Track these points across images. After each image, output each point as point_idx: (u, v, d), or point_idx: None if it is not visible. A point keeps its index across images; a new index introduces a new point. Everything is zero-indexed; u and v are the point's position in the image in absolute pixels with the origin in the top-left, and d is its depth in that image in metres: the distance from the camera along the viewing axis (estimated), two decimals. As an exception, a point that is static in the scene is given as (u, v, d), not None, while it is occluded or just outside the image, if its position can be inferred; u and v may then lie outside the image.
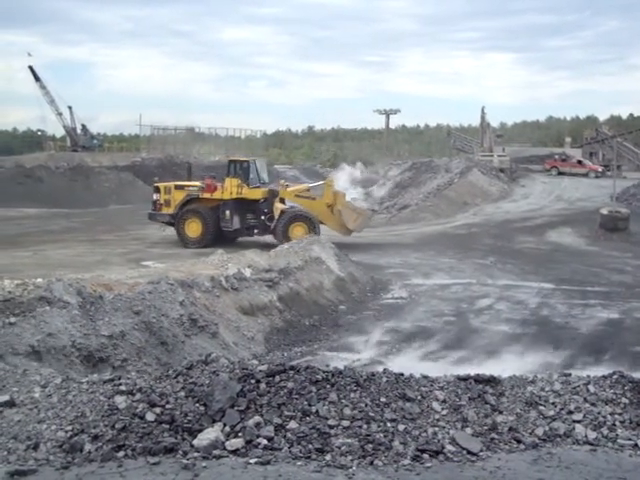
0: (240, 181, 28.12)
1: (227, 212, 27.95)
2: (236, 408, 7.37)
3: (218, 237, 27.56)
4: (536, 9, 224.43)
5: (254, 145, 79.06)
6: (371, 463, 6.74)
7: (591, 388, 8.36)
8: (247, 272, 15.08)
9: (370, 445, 6.99)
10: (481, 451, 7.10)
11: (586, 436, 7.55)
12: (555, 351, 13.17)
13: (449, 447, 7.10)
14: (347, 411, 7.41)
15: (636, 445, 7.43)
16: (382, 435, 7.14)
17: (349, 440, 7.04)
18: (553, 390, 8.39)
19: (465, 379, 8.35)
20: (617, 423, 7.79)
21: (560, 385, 8.49)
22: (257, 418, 7.23)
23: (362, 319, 15.79)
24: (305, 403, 7.48)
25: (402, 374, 8.28)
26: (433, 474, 6.60)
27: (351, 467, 6.66)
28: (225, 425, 7.22)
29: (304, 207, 28.32)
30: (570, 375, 8.98)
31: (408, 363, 11.82)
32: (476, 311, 16.61)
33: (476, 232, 33.00)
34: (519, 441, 7.39)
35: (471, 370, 9.16)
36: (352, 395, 7.64)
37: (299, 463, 6.72)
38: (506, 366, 11.92)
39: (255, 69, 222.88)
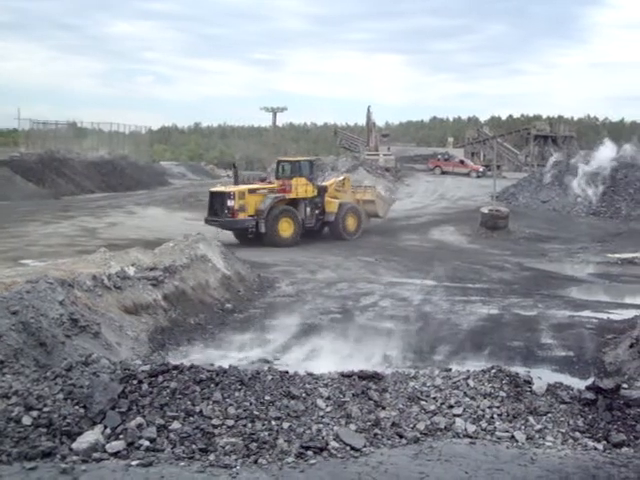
0: (306, 180, 29.95)
1: (308, 210, 29.86)
2: (117, 410, 7.22)
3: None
4: (426, 12, 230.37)
5: (139, 141, 77.61)
6: (255, 462, 6.73)
7: (471, 382, 8.59)
8: (131, 270, 14.77)
9: (254, 444, 6.97)
10: (364, 447, 7.18)
11: (466, 429, 7.75)
12: (436, 347, 13.44)
13: (333, 443, 7.15)
14: (231, 410, 7.37)
15: (513, 437, 7.68)
16: (266, 433, 7.14)
17: (233, 439, 7.00)
18: (434, 385, 8.57)
19: (349, 376, 8.45)
20: (495, 416, 8.03)
21: (441, 380, 8.69)
22: (139, 419, 7.10)
23: (248, 317, 15.72)
24: (189, 403, 7.40)
25: (287, 372, 8.30)
26: (317, 471, 6.63)
27: (235, 466, 6.62)
28: (106, 427, 7.07)
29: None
30: (451, 370, 9.21)
31: (294, 361, 11.85)
32: (361, 308, 16.79)
33: (362, 230, 33.36)
34: (401, 436, 7.52)
35: (355, 367, 9.24)
36: (237, 394, 7.61)
37: (182, 464, 6.64)
38: (390, 362, 12.12)
39: (143, 64, 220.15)
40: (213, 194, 29.35)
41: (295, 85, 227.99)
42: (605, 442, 7.70)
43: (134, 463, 6.63)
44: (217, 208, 28.69)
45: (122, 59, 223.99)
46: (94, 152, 62.37)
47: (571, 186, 41.53)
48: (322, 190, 30.84)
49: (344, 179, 33.64)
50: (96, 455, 6.74)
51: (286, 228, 28.64)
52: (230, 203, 28.13)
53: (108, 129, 74.96)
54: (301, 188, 29.61)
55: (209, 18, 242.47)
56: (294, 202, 29.51)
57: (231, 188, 29.16)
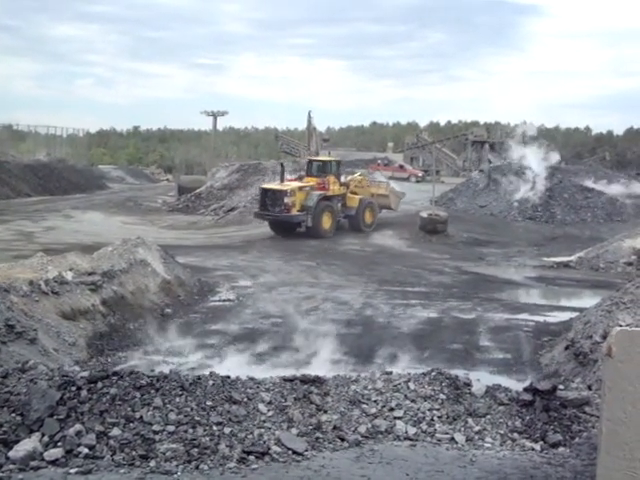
0: (335, 178, 33.43)
1: (339, 205, 33.41)
2: (55, 417, 7.10)
3: None
4: (367, 19, 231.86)
5: (77, 144, 76.45)
6: (197, 467, 6.69)
7: (411, 385, 8.66)
8: (68, 275, 14.55)
9: (196, 449, 6.93)
10: (306, 450, 7.19)
11: (406, 432, 7.82)
12: (377, 350, 13.53)
13: (275, 448, 7.14)
14: (172, 416, 7.30)
15: (453, 439, 7.77)
16: (208, 439, 7.10)
17: (174, 445, 6.94)
18: (375, 388, 8.62)
19: (291, 380, 8.44)
20: (435, 418, 8.12)
21: (382, 383, 8.75)
22: (78, 426, 6.99)
23: (189, 322, 15.61)
24: (129, 409, 7.31)
25: (228, 377, 8.26)
26: (259, 476, 6.63)
27: (176, 472, 6.58)
28: (44, 435, 6.94)
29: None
30: (391, 373, 9.27)
31: (235, 365, 11.80)
32: (303, 312, 16.80)
33: (303, 234, 33.45)
34: (343, 439, 7.55)
35: (297, 371, 9.25)
36: (177, 399, 7.54)
37: (122, 471, 6.56)
38: (331, 366, 12.16)
39: (83, 67, 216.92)
40: (265, 190, 32.45)
41: (237, 89, 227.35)
42: (542, 442, 7.84)
43: (73, 471, 6.53)
44: (269, 204, 31.70)
45: (62, 61, 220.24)
46: (31, 155, 61.22)
47: (510, 190, 42.24)
48: (346, 187, 34.08)
49: (362, 177, 36.57)
50: (34, 463, 6.62)
51: (327, 221, 32.24)
52: (287, 200, 31.14)
53: (45, 132, 73.80)
54: (334, 186, 33.02)
55: (152, 21, 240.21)
56: (328, 198, 32.63)
57: (286, 186, 32.03)
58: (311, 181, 33.07)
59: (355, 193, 34.47)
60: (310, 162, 35.28)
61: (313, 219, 31.54)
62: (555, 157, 49.17)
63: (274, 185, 33.11)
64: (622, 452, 5.32)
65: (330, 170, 33.69)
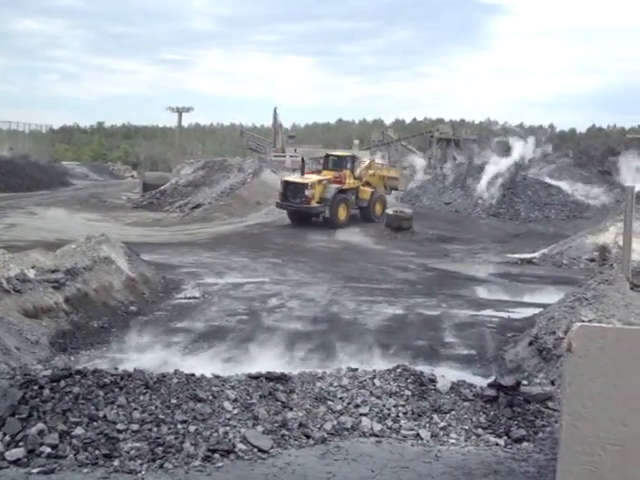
0: (349, 172, 35.47)
1: (353, 197, 35.76)
2: (17, 416, 7.02)
3: None
4: (334, 15, 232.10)
5: (40, 140, 75.51)
6: (161, 466, 6.65)
7: (377, 382, 8.69)
8: (31, 273, 14.36)
9: (160, 448, 6.89)
10: (272, 448, 7.19)
11: (372, 428, 7.84)
12: (343, 347, 13.53)
13: (240, 446, 7.13)
14: (136, 414, 7.25)
15: (418, 435, 7.81)
16: (173, 437, 7.06)
17: (138, 444, 6.90)
18: (341, 385, 8.64)
19: (256, 377, 8.43)
20: (400, 415, 8.15)
21: (347, 380, 8.76)
22: (40, 426, 6.92)
23: (153, 320, 15.50)
24: (92, 408, 7.25)
25: (193, 375, 8.22)
26: (224, 474, 6.61)
27: (140, 471, 6.54)
28: (5, 434, 6.86)
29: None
30: (357, 370, 9.28)
31: (200, 363, 11.74)
32: (269, 309, 16.77)
33: (269, 231, 33.49)
34: (308, 436, 7.55)
35: (263, 368, 9.23)
36: (142, 398, 7.50)
37: (85, 470, 6.51)
38: (297, 363, 12.15)
39: (46, 62, 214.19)
40: (287, 183, 34.68)
41: (203, 85, 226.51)
42: (506, 438, 7.91)
43: (35, 471, 6.47)
44: (289, 195, 34.18)
45: (25, 56, 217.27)
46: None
47: (475, 187, 42.51)
48: (359, 180, 36.29)
49: (369, 163, 38.77)
50: (-5, 464, 6.55)
51: (342, 213, 34.75)
52: (307, 192, 33.48)
53: (7, 127, 72.77)
54: (349, 179, 35.29)
55: (118, 16, 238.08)
56: (344, 191, 34.98)
57: (307, 179, 34.36)
58: (328, 175, 35.20)
59: (368, 184, 36.81)
60: (327, 157, 37.58)
61: (330, 210, 33.86)
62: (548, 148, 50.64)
63: (296, 178, 35.09)
64: (581, 446, 5.38)
65: (346, 165, 35.75)
